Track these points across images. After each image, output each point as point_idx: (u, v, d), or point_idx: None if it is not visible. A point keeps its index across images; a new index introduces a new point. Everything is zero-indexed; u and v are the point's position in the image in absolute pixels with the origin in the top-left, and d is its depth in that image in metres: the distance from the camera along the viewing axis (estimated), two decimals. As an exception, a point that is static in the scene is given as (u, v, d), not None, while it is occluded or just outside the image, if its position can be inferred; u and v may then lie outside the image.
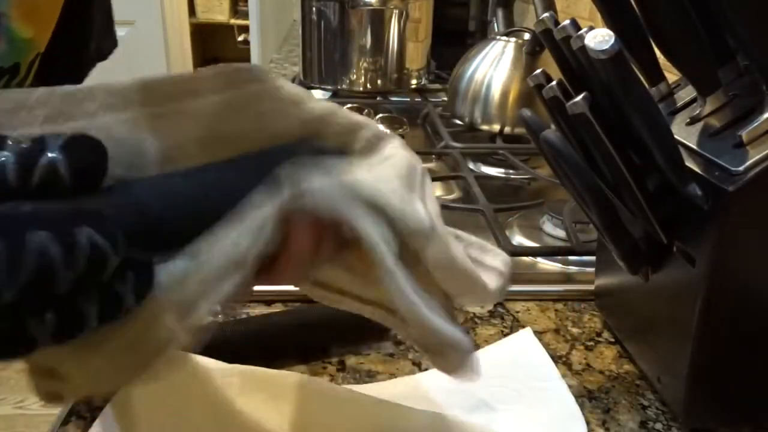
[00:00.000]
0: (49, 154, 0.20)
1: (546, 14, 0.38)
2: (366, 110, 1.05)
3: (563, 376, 0.45)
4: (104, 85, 0.25)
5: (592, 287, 0.54)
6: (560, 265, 0.64)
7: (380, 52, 1.15)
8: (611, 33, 0.32)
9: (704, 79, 0.38)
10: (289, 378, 0.44)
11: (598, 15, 0.40)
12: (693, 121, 0.40)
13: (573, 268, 0.63)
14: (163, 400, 0.40)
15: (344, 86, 1.17)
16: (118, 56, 0.58)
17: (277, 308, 0.53)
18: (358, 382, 0.45)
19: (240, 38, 3.31)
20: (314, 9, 1.14)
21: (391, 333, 0.50)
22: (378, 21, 1.13)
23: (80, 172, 0.21)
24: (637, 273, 0.43)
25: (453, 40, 1.39)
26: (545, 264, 0.64)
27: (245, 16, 3.06)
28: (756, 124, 0.35)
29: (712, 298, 0.37)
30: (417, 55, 1.19)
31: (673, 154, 0.36)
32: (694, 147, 0.38)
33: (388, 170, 0.30)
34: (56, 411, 0.47)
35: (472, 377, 0.33)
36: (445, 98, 1.06)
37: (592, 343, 0.50)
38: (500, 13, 1.06)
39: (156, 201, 0.24)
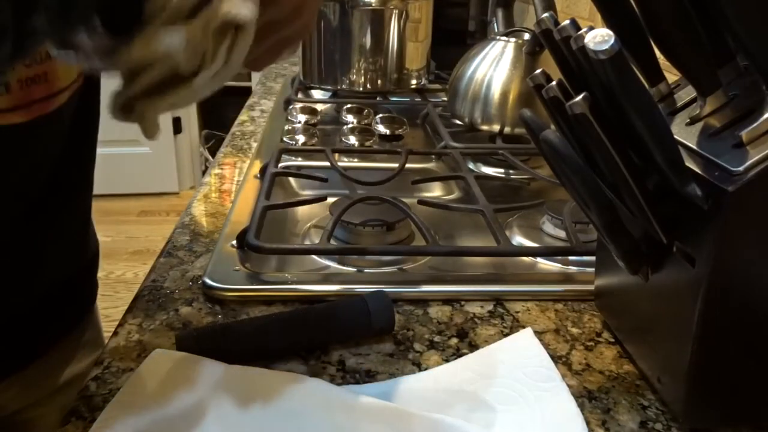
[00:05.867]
0: None
1: (546, 14, 0.38)
2: (366, 110, 1.05)
3: (563, 376, 0.45)
4: None
5: (592, 287, 0.54)
6: (560, 265, 0.64)
7: (380, 52, 1.15)
8: (611, 33, 0.32)
9: (704, 79, 0.38)
10: (289, 378, 0.44)
11: (598, 15, 0.40)
12: (693, 121, 0.40)
13: (573, 268, 0.63)
14: (165, 401, 0.40)
15: (344, 86, 1.17)
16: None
17: (277, 308, 0.53)
18: (358, 382, 0.45)
19: (240, 38, 3.30)
20: (314, 9, 1.14)
21: (391, 333, 0.50)
22: (378, 21, 1.13)
23: None
24: (637, 273, 0.43)
25: (453, 40, 1.39)
26: (545, 264, 0.64)
27: (245, 16, 3.06)
28: (756, 124, 0.35)
29: (712, 298, 0.37)
30: (417, 55, 1.19)
31: (673, 154, 0.36)
32: (694, 147, 0.38)
33: None
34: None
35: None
36: (445, 98, 1.06)
37: (592, 343, 0.50)
38: (500, 13, 1.06)
39: None
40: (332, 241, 0.62)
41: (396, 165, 0.80)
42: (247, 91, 1.54)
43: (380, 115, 1.01)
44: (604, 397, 0.44)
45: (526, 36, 0.94)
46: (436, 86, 1.25)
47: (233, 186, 0.80)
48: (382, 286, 0.53)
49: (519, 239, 0.69)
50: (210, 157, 3.20)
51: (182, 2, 0.30)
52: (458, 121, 0.98)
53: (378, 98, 1.16)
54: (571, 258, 0.64)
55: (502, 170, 0.88)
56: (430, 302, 0.55)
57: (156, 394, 0.41)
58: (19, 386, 0.58)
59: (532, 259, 0.65)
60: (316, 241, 0.63)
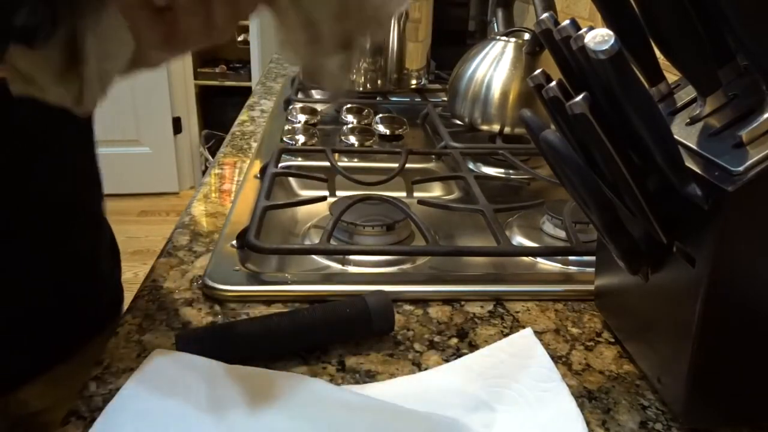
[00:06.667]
0: None
1: (546, 14, 0.38)
2: (366, 110, 1.05)
3: (563, 376, 0.45)
4: None
5: (592, 287, 0.54)
6: (560, 265, 0.64)
7: (380, 52, 1.15)
8: (611, 33, 0.32)
9: (704, 79, 0.38)
10: (289, 378, 0.44)
11: (598, 15, 0.40)
12: (693, 121, 0.40)
13: (573, 268, 0.63)
14: (165, 401, 0.40)
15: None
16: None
17: (277, 308, 0.53)
18: (357, 382, 0.45)
19: (240, 38, 3.31)
20: (314, 9, 1.14)
21: (391, 333, 0.50)
22: (378, 21, 1.13)
23: None
24: (636, 273, 0.43)
25: (453, 40, 1.39)
26: (545, 264, 0.64)
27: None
28: (756, 124, 0.35)
29: (712, 298, 0.37)
30: (417, 55, 1.19)
31: (673, 154, 0.36)
32: (694, 147, 0.38)
33: None
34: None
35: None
36: (445, 98, 1.06)
37: (592, 343, 0.50)
38: (500, 13, 1.06)
39: None
40: (332, 241, 0.62)
41: (396, 165, 0.80)
42: (247, 91, 1.54)
43: (380, 115, 1.01)
44: (604, 397, 0.44)
45: (526, 36, 0.94)
46: (436, 86, 1.25)
47: (233, 186, 0.80)
48: (382, 286, 0.53)
49: (519, 239, 0.69)
50: (210, 157, 3.20)
51: None
52: (458, 121, 0.98)
53: (378, 98, 1.16)
54: (571, 258, 0.64)
55: (502, 170, 0.88)
56: (430, 302, 0.55)
57: (156, 394, 0.41)
58: (45, 385, 0.58)
59: (532, 259, 0.65)
60: (316, 241, 0.63)
